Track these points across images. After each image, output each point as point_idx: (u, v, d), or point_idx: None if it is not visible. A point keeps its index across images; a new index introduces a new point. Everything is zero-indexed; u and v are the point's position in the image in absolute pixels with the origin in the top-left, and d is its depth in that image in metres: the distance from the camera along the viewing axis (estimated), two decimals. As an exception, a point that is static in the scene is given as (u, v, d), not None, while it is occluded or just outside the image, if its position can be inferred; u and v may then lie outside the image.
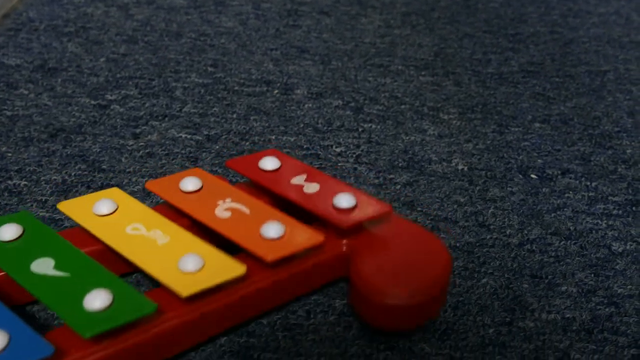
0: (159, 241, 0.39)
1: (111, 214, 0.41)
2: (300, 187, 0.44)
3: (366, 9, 0.85)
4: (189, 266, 0.37)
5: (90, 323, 0.33)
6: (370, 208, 0.42)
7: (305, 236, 0.40)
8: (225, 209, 0.42)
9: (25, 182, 0.51)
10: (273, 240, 0.39)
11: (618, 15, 0.90)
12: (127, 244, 0.39)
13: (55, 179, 0.52)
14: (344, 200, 0.42)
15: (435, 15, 0.85)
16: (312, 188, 0.44)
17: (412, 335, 0.41)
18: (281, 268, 0.39)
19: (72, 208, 0.42)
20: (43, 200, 0.50)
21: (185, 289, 0.36)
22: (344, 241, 0.42)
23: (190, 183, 0.44)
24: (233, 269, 0.37)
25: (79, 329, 0.33)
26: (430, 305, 0.39)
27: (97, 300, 0.34)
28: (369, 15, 0.84)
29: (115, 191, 0.44)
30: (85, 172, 0.53)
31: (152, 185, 0.45)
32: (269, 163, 0.46)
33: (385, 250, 0.41)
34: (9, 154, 0.54)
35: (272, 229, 0.39)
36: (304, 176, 0.45)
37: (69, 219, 0.48)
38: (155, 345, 0.35)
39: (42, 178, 0.52)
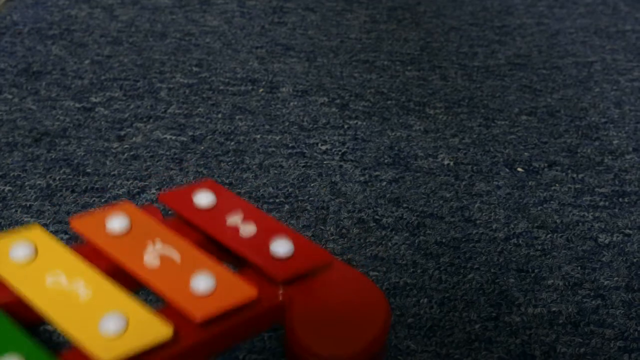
0: (80, 293, 0.37)
1: (29, 258, 0.39)
2: (236, 230, 0.43)
3: (352, 4, 0.85)
4: (110, 328, 0.35)
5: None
6: (310, 258, 0.41)
7: (239, 291, 0.38)
8: (154, 256, 0.40)
9: (10, 188, 0.51)
10: (203, 296, 0.38)
11: (605, 5, 0.90)
12: (44, 296, 0.37)
13: (39, 184, 0.52)
14: (282, 247, 0.41)
15: (421, 9, 0.85)
16: (248, 230, 0.43)
17: (397, 332, 0.41)
18: (213, 324, 0.38)
19: None
20: (27, 205, 0.49)
21: (105, 354, 0.34)
22: (280, 291, 0.41)
23: (117, 222, 0.42)
24: (159, 330, 0.36)
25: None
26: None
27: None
28: (354, 10, 0.84)
29: (35, 229, 0.41)
30: (70, 176, 0.53)
31: (77, 223, 0.42)
32: (204, 199, 0.45)
33: (323, 302, 0.40)
34: (-7, 160, 0.54)
35: (203, 283, 0.38)
36: (241, 215, 0.44)
37: None
38: None
39: (26, 183, 0.52)
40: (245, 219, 0.44)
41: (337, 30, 0.78)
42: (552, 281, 0.45)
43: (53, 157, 0.55)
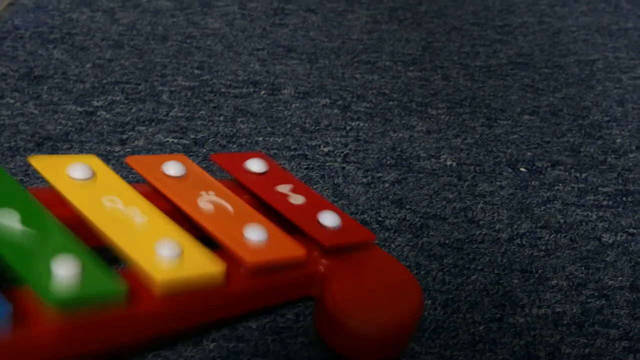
0: (135, 219, 0.36)
1: (87, 179, 0.38)
2: (285, 196, 0.43)
3: (353, 5, 0.85)
4: (165, 252, 0.34)
5: (57, 290, 0.30)
6: (355, 232, 0.41)
7: (288, 247, 0.39)
8: (207, 201, 0.40)
9: (12, 193, 0.51)
10: (255, 243, 0.38)
11: (607, 3, 0.89)
12: (102, 216, 0.36)
13: (42, 189, 0.52)
14: (329, 218, 0.41)
15: (423, 9, 0.85)
16: (297, 199, 0.43)
17: (401, 335, 0.41)
18: (261, 274, 0.38)
19: (45, 165, 0.38)
20: (30, 210, 0.49)
21: (160, 274, 0.33)
22: (323, 260, 0.41)
23: (173, 167, 0.42)
24: (212, 265, 0.36)
25: (45, 295, 0.30)
26: (397, 342, 0.39)
27: (64, 267, 0.31)
28: (355, 11, 0.84)
29: (93, 158, 0.40)
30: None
31: (133, 161, 0.41)
32: (256, 165, 0.45)
33: (362, 279, 0.40)
34: (-5, 165, 0.54)
35: (256, 232, 0.38)
36: (290, 186, 0.44)
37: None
38: (120, 328, 0.33)
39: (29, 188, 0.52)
40: (295, 190, 0.44)
41: (338, 31, 0.78)
42: (556, 281, 0.45)
43: (55, 161, 0.55)
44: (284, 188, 0.44)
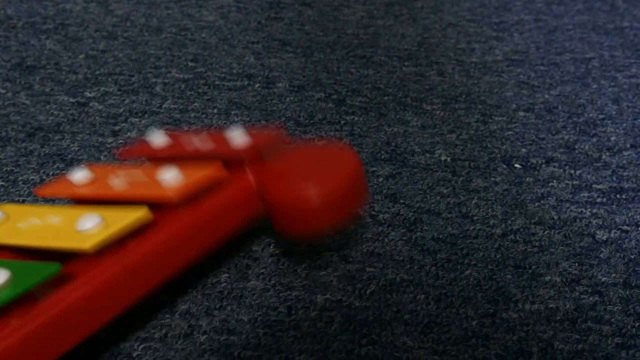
0: (52, 221, 0.36)
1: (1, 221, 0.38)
2: (191, 143, 0.43)
3: None
4: (87, 225, 0.34)
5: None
6: (261, 134, 0.41)
7: (206, 169, 0.38)
8: (117, 179, 0.39)
9: (2, 183, 0.51)
10: (172, 181, 0.37)
11: (603, 2, 0.89)
12: (20, 236, 0.36)
13: (33, 179, 0.51)
14: (235, 135, 0.41)
15: (419, 5, 0.85)
16: (200, 141, 0.43)
17: (394, 329, 0.40)
18: (191, 206, 0.37)
19: None
20: (21, 200, 0.49)
21: (87, 242, 0.33)
22: (247, 169, 0.40)
23: (79, 173, 0.41)
24: (135, 213, 0.35)
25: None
26: (345, 204, 0.38)
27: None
28: (351, 6, 0.83)
29: (3, 205, 0.41)
30: (64, 172, 0.52)
31: (43, 192, 0.41)
32: (158, 138, 0.45)
33: (291, 165, 0.40)
34: (-14, 155, 0.54)
35: (168, 172, 0.37)
36: (196, 138, 0.44)
37: None
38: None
39: (19, 178, 0.51)
40: (199, 136, 0.44)
41: (334, 25, 0.78)
42: (549, 277, 0.45)
43: (47, 152, 0.54)
44: (190, 140, 0.43)
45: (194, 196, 0.38)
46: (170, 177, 0.37)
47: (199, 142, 0.42)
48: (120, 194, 0.38)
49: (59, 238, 0.34)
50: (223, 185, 0.39)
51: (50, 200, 0.48)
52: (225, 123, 0.59)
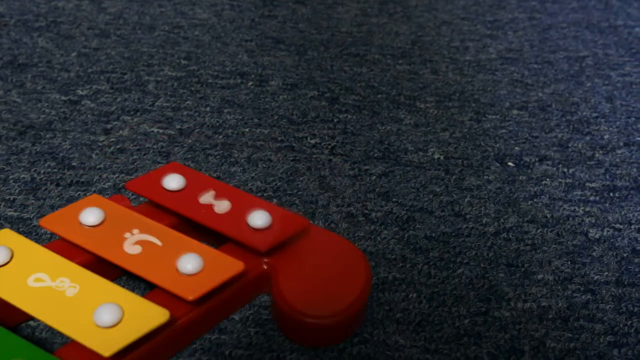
0: (67, 292, 0.35)
1: (6, 264, 0.37)
2: (211, 206, 0.42)
3: (343, -2, 0.85)
4: (105, 320, 0.33)
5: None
6: (288, 224, 0.41)
7: (226, 266, 0.38)
8: (134, 243, 0.39)
9: (-7, 181, 0.50)
10: (191, 275, 0.37)
11: (597, 0, 0.89)
12: (31, 300, 0.35)
13: (24, 177, 0.51)
14: (259, 219, 0.40)
15: (413, 3, 0.85)
16: (223, 206, 0.42)
17: (386, 327, 0.40)
18: (205, 301, 0.38)
19: None
20: (11, 199, 0.49)
21: (106, 347, 0.33)
22: (265, 260, 0.40)
23: (91, 215, 0.40)
24: (155, 315, 0.35)
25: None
26: (353, 322, 0.39)
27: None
28: (345, 4, 0.83)
29: (6, 233, 0.39)
30: (55, 170, 0.52)
31: (48, 222, 0.40)
32: (173, 181, 0.44)
33: (306, 266, 0.40)
34: (-24, 153, 0.53)
35: (190, 264, 0.37)
36: (212, 192, 0.43)
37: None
38: None
39: (10, 176, 0.51)
40: (218, 195, 0.43)
41: (327, 23, 0.78)
42: (542, 276, 0.45)
43: (38, 150, 0.54)
44: (207, 197, 0.43)
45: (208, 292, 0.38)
46: (191, 271, 0.37)
47: (217, 204, 0.42)
48: (135, 270, 0.38)
49: (73, 324, 0.34)
50: (239, 277, 0.39)
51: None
52: (218, 121, 0.58)
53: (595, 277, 0.45)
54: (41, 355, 0.33)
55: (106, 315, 0.34)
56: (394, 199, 0.51)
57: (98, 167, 0.52)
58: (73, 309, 0.35)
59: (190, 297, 0.36)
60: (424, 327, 0.40)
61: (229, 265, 0.38)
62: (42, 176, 0.51)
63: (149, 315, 0.35)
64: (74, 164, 0.52)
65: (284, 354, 0.38)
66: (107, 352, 0.33)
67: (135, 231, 0.40)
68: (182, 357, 0.38)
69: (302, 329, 0.38)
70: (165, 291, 0.37)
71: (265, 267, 0.40)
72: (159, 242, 0.39)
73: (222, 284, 0.38)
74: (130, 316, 0.34)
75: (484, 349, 0.39)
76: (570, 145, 0.59)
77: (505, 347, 0.40)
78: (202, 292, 0.37)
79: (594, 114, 0.64)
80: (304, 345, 0.39)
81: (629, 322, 0.42)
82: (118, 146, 0.55)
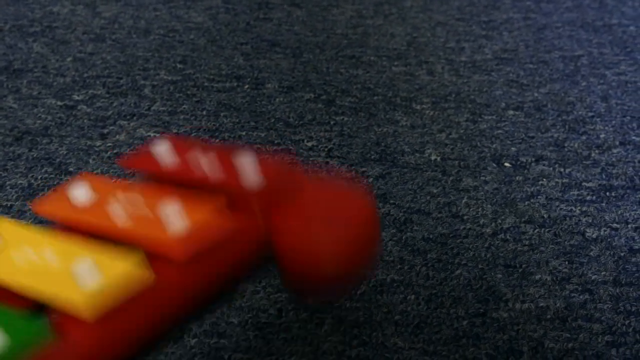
0: (49, 260, 0.36)
1: None
2: (196, 162, 0.41)
3: (338, -1, 0.85)
4: (85, 279, 0.34)
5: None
6: (274, 168, 0.40)
7: (214, 218, 0.37)
8: (118, 207, 0.38)
9: (-10, 188, 0.50)
10: (178, 230, 0.36)
11: (591, -1, 0.90)
12: (16, 274, 0.36)
13: (21, 183, 0.51)
14: (246, 163, 0.39)
15: (408, 4, 0.85)
16: (207, 160, 0.41)
17: (384, 329, 0.40)
18: (197, 259, 0.36)
19: None
20: (8, 205, 0.49)
21: (90, 309, 0.33)
22: (256, 214, 0.38)
23: (79, 191, 0.40)
24: (134, 269, 0.34)
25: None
26: (359, 262, 0.37)
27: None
28: (340, 5, 0.83)
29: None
30: (52, 175, 0.52)
31: (39, 206, 0.40)
32: (163, 150, 0.43)
33: (307, 212, 0.38)
34: (-27, 159, 0.53)
35: (171, 213, 0.36)
36: (197, 152, 0.42)
37: None
38: None
39: (7, 182, 0.51)
40: (203, 151, 0.42)
41: (323, 25, 0.78)
42: (539, 276, 0.45)
43: (35, 156, 0.54)
44: (192, 156, 0.42)
45: (199, 251, 0.36)
46: (177, 228, 0.36)
47: (208, 165, 0.41)
48: (121, 233, 0.37)
49: (56, 288, 0.34)
50: (231, 234, 0.38)
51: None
52: (214, 125, 0.59)
53: (593, 277, 0.45)
54: (23, 324, 0.32)
55: (82, 272, 0.33)
56: (391, 201, 0.51)
57: (95, 172, 0.52)
58: (55, 274, 0.34)
59: (179, 257, 0.35)
60: (422, 329, 0.41)
61: (217, 218, 0.37)
62: (39, 182, 0.51)
63: (127, 266, 0.34)
64: (70, 169, 0.52)
65: (284, 357, 0.38)
66: (88, 313, 0.32)
67: (120, 197, 0.39)
68: (181, 362, 0.38)
69: (308, 284, 0.36)
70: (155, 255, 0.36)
71: (261, 221, 0.38)
72: (142, 203, 0.38)
73: (212, 234, 0.36)
74: (107, 274, 0.33)
75: (483, 350, 0.40)
76: (566, 145, 0.59)
77: (503, 348, 0.40)
78: (192, 251, 0.35)
79: (590, 114, 0.64)
80: (312, 293, 0.38)
81: (626, 322, 0.42)
82: (115, 151, 0.55)
